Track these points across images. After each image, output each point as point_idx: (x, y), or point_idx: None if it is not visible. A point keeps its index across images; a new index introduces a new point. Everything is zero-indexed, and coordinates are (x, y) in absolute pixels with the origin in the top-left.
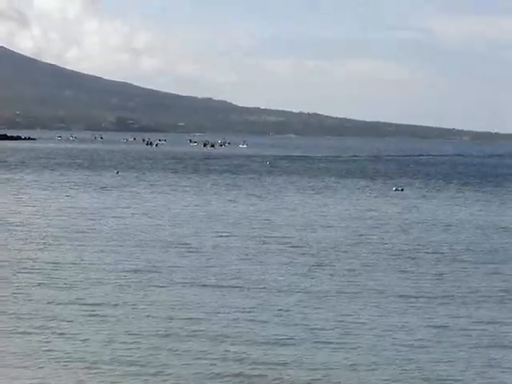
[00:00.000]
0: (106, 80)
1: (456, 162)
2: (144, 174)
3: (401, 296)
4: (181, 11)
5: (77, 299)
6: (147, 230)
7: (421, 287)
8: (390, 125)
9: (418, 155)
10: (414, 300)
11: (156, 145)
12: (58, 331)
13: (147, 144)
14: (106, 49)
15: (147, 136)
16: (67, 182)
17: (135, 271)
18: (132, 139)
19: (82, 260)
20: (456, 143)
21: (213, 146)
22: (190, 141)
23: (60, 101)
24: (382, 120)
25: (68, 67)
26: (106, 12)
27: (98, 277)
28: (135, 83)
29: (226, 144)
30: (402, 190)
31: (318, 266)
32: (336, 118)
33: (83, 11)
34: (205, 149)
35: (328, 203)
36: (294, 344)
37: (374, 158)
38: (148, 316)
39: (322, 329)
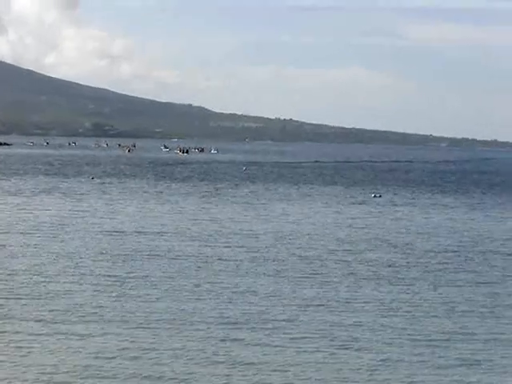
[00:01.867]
0: (83, 86)
1: (430, 168)
2: (120, 180)
3: (383, 305)
4: (159, 17)
5: (45, 311)
6: (124, 238)
7: (403, 296)
8: (367, 131)
9: (395, 161)
10: (396, 310)
11: (129, 150)
12: (27, 345)
13: (129, 151)
14: (83, 54)
15: (122, 141)
16: (40, 189)
17: (111, 281)
18: (105, 145)
19: (54, 269)
20: (433, 149)
21: (187, 151)
22: (165, 146)
23: (37, 106)
24: (358, 126)
25: (45, 73)
26: (83, 17)
27: (68, 287)
28: (113, 89)
29: (213, 150)
30: (380, 196)
31: (299, 275)
32: (313, 125)
33: (61, 17)
34: (178, 155)
35: (307, 211)
36: (281, 352)
37: (350, 164)
38: (124, 329)
39: (306, 338)
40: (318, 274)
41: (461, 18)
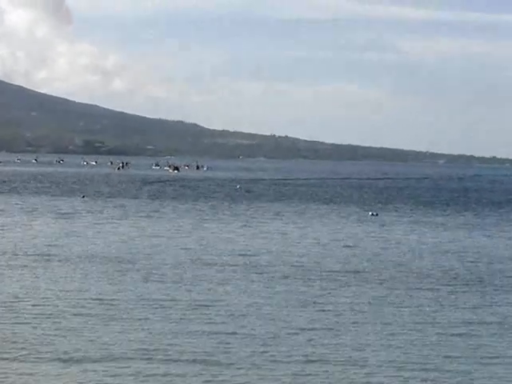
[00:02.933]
0: (74, 102)
1: (426, 185)
2: (111, 199)
3: (385, 329)
4: (151, 31)
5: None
6: (119, 258)
7: (405, 316)
8: (363, 148)
9: (390, 178)
10: (399, 334)
11: (119, 168)
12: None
13: (119, 169)
14: (75, 70)
15: (113, 159)
16: (29, 208)
17: (102, 302)
18: (93, 162)
19: (44, 289)
20: (430, 166)
21: (177, 169)
22: (156, 164)
23: (27, 123)
24: (353, 143)
25: (36, 89)
26: (76, 33)
27: (56, 311)
28: (104, 105)
29: (204, 168)
30: (377, 214)
31: (296, 296)
32: (307, 141)
33: (53, 32)
34: (169, 172)
35: (305, 230)
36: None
37: (344, 182)
38: (118, 358)
39: (305, 362)
40: (317, 296)
41: (460, 31)
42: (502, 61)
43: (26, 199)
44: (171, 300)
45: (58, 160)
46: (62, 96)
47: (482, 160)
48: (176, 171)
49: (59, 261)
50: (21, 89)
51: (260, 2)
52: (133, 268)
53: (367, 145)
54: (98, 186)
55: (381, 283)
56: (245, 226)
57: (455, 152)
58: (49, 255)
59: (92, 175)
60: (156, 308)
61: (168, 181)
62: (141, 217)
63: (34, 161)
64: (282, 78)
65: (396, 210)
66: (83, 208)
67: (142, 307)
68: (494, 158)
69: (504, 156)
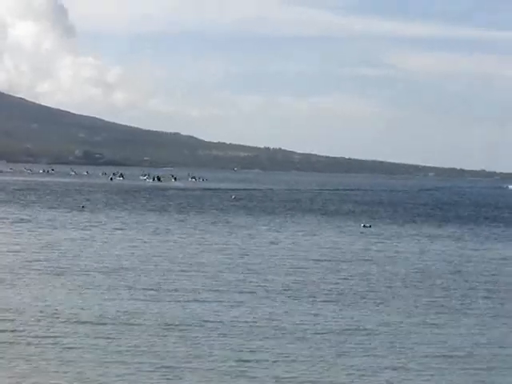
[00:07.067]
0: (74, 114)
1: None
2: (108, 209)
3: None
4: (152, 47)
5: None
6: (114, 271)
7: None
8: (355, 161)
9: (383, 190)
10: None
11: (111, 179)
12: None
13: (111, 179)
14: (77, 83)
15: (108, 170)
16: (32, 219)
17: (99, 317)
18: (85, 172)
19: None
20: (420, 179)
21: (159, 179)
22: (145, 175)
23: (27, 134)
24: (347, 156)
25: (38, 101)
26: (79, 45)
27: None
28: (104, 117)
29: (201, 179)
30: (370, 226)
31: (295, 306)
32: (302, 154)
33: (57, 45)
34: (153, 182)
35: (303, 242)
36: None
37: (337, 193)
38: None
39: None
40: (314, 306)
41: (450, 47)
42: (496, 76)
43: (24, 209)
44: (165, 311)
45: (49, 170)
46: (63, 108)
47: (472, 173)
48: (159, 181)
49: (56, 268)
50: (22, 101)
51: (258, 19)
52: (126, 280)
53: (360, 158)
54: (92, 196)
55: (365, 289)
56: (237, 236)
57: (446, 165)
58: (46, 264)
59: (86, 185)
60: (153, 322)
61: (166, 191)
62: (139, 228)
63: (28, 171)
64: (279, 93)
65: (388, 223)
66: (85, 219)
67: (138, 322)
68: (483, 171)
69: (492, 169)
